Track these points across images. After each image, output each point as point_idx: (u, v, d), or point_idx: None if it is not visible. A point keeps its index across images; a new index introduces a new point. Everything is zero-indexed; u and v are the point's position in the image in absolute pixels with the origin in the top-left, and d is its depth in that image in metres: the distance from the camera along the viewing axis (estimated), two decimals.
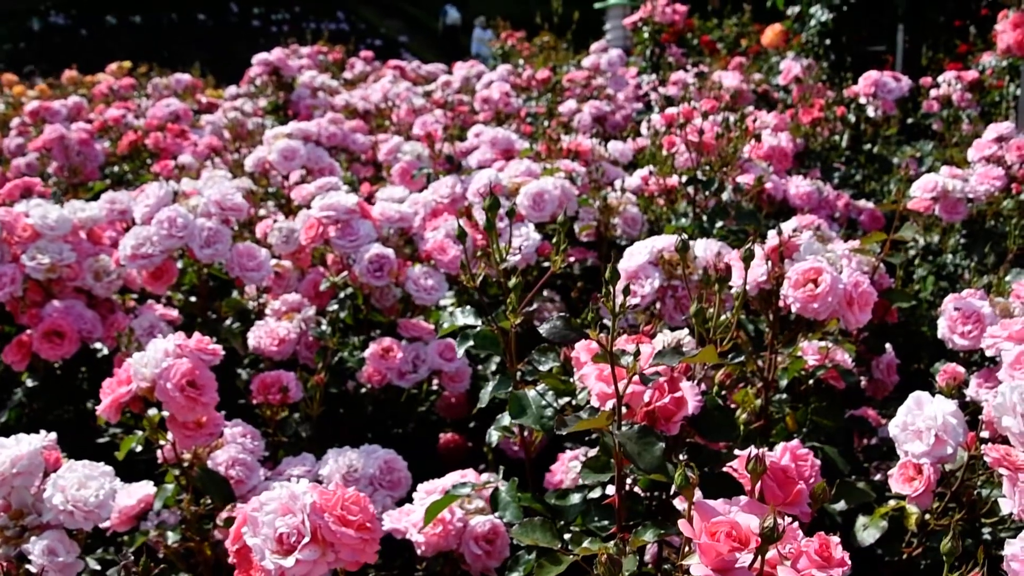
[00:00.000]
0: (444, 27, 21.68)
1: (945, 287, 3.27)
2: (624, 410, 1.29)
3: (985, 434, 1.59)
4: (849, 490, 1.87)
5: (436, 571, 1.89)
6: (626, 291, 1.17)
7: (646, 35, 6.08)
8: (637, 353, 1.16)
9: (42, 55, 16.34)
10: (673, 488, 1.41)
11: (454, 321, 1.52)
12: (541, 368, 1.39)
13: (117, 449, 2.04)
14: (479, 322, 1.47)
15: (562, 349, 1.49)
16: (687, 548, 1.01)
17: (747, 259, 1.42)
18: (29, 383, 2.62)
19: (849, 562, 1.02)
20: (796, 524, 1.05)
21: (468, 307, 1.53)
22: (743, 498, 1.11)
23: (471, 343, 1.46)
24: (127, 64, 7.49)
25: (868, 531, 1.73)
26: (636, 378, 1.25)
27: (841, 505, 1.86)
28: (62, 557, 1.59)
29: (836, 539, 1.02)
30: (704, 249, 2.12)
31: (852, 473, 2.04)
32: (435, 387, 2.72)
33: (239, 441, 2.05)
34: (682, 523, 0.96)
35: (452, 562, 1.83)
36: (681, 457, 1.46)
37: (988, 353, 1.85)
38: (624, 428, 1.19)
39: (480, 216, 2.59)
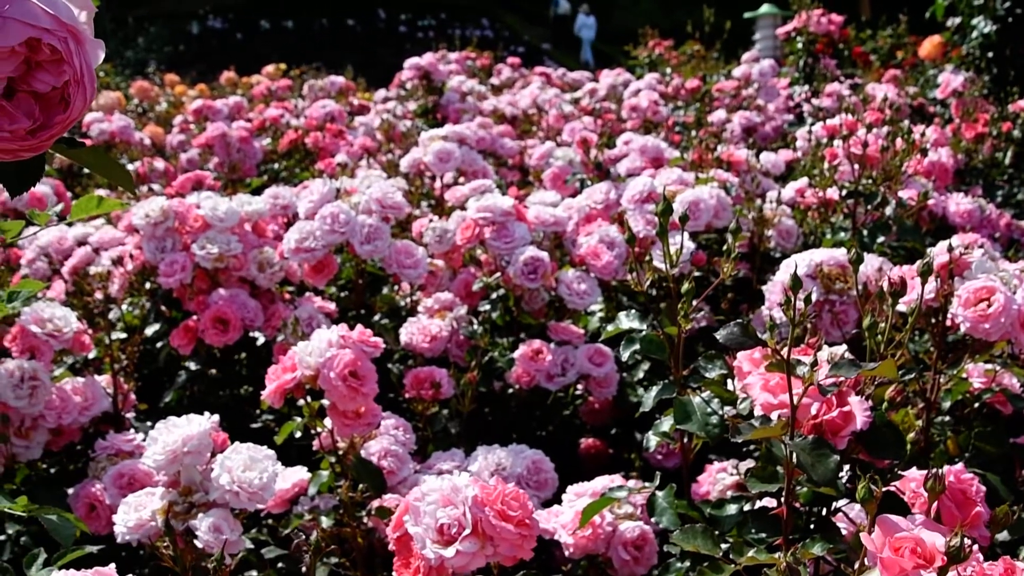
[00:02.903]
0: (554, 17, 22.68)
1: None
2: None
3: None
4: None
5: (578, 574, 1.90)
6: (807, 300, 1.16)
7: (799, 45, 5.96)
8: (814, 363, 1.15)
9: (200, 57, 17.01)
10: (834, 504, 1.39)
11: (618, 324, 1.52)
12: (708, 375, 1.38)
13: (270, 435, 2.12)
14: (644, 326, 1.47)
15: (725, 357, 1.48)
16: (863, 562, 0.99)
17: (924, 274, 1.39)
18: (192, 366, 2.74)
19: None
20: (976, 547, 1.02)
21: (632, 312, 1.53)
22: (919, 516, 1.08)
23: (636, 347, 1.46)
24: (282, 66, 7.76)
25: None
26: (808, 389, 1.23)
27: (1003, 536, 1.79)
28: (227, 535, 1.65)
29: (1022, 565, 0.99)
30: (865, 264, 2.08)
31: (1013, 503, 1.96)
32: (579, 392, 2.73)
33: (392, 433, 2.10)
34: (863, 536, 0.95)
35: (597, 566, 1.84)
36: (840, 474, 1.43)
37: None
38: (797, 439, 1.17)
39: (634, 223, 2.59)
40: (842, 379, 1.23)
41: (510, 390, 2.60)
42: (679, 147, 4.23)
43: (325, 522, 1.93)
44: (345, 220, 2.55)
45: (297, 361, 1.83)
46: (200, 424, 1.75)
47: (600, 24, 21.15)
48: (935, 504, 1.10)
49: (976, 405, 2.00)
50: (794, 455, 1.16)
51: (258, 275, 2.68)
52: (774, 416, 1.28)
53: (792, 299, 1.13)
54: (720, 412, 1.34)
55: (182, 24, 21.98)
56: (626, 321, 1.51)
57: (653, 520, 1.47)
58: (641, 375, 2.58)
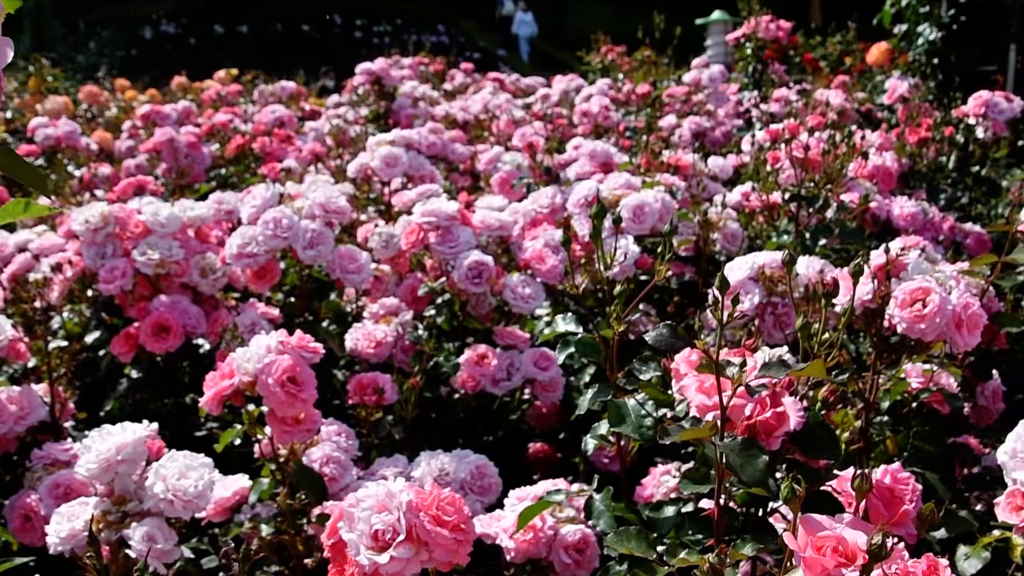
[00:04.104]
0: (500, 18, 23.26)
1: None
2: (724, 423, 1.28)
3: None
4: (950, 518, 1.82)
5: None
6: (736, 300, 1.16)
7: (749, 51, 6.02)
8: (743, 364, 1.15)
9: (153, 62, 16.84)
10: (771, 504, 1.39)
11: (555, 328, 1.52)
12: (642, 377, 1.39)
13: (214, 442, 2.09)
14: (580, 330, 1.47)
15: (661, 360, 1.48)
16: (790, 562, 0.99)
17: (856, 275, 1.39)
18: (134, 374, 2.70)
19: None
20: (902, 545, 1.03)
21: (569, 315, 1.53)
22: (847, 515, 1.08)
23: (572, 350, 1.46)
24: (234, 71, 7.70)
25: (970, 561, 1.68)
26: (739, 390, 1.24)
27: (941, 533, 1.81)
28: (161, 544, 1.63)
29: (944, 562, 0.99)
30: (806, 267, 2.09)
31: (952, 502, 1.99)
32: (527, 396, 2.72)
33: (334, 439, 2.08)
34: (787, 536, 0.95)
35: (540, 570, 1.83)
36: (778, 475, 1.44)
37: None
38: (727, 440, 1.18)
39: (580, 227, 2.59)
40: (772, 380, 1.24)
41: (456, 395, 2.58)
42: (629, 152, 4.25)
43: (265, 530, 1.91)
44: (288, 225, 2.53)
45: (235, 367, 1.80)
46: (135, 432, 1.73)
47: (554, 29, 21.39)
48: (863, 503, 1.10)
49: (914, 405, 2.03)
50: (724, 456, 1.17)
51: (200, 281, 2.65)
52: (709, 417, 1.28)
53: (720, 300, 1.13)
54: (654, 414, 1.34)
55: (135, 29, 21.78)
56: (562, 324, 1.51)
57: (590, 523, 1.47)
58: (587, 378, 2.58)
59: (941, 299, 1.71)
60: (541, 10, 22.69)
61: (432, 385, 2.57)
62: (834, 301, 1.48)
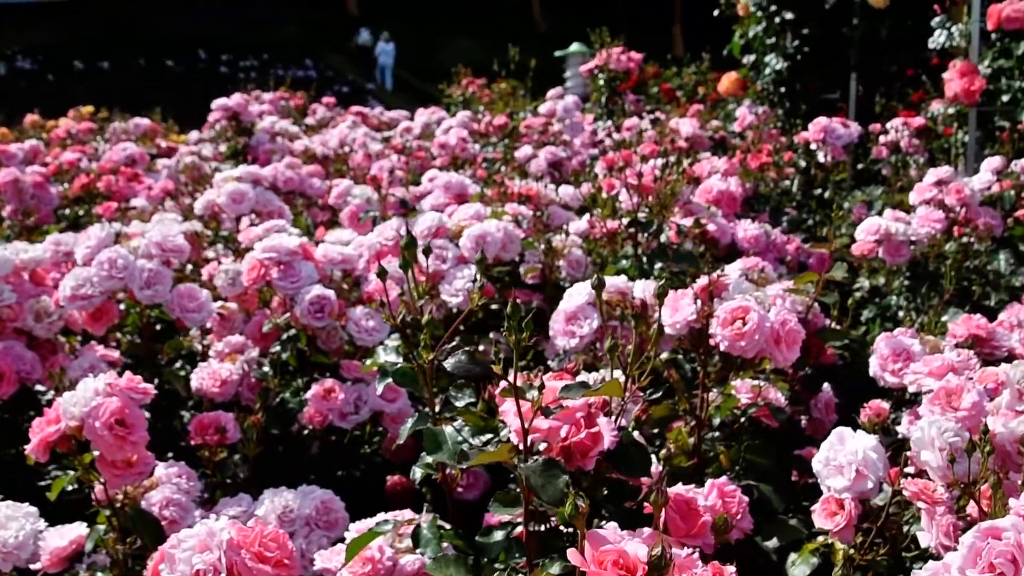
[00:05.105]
0: (357, 47, 24.02)
1: (891, 328, 3.31)
2: (544, 446, 1.31)
3: (910, 469, 1.62)
4: (781, 527, 1.89)
5: None
6: (528, 327, 1.19)
7: (602, 82, 6.17)
8: (541, 387, 1.18)
9: (6, 99, 16.29)
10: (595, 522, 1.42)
11: (377, 359, 1.53)
12: (457, 404, 1.41)
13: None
14: (400, 360, 1.48)
15: (488, 386, 1.50)
16: None
17: (661, 296, 1.45)
18: None
19: None
20: (697, 555, 1.06)
21: (390, 345, 1.55)
22: (646, 530, 1.12)
23: (390, 380, 1.47)
24: (88, 109, 7.51)
25: (798, 567, 1.74)
26: (560, 412, 1.27)
27: (774, 542, 1.88)
28: None
29: (731, 569, 1.03)
30: (642, 290, 2.15)
31: (791, 511, 2.05)
32: (381, 429, 2.71)
33: (174, 482, 2.04)
34: (571, 553, 0.97)
35: None
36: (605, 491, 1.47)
37: (911, 389, 1.88)
38: (530, 462, 1.20)
39: (423, 258, 2.61)
40: (582, 403, 1.27)
41: (306, 431, 2.56)
42: (485, 183, 4.30)
43: None
44: (123, 265, 2.47)
45: (61, 412, 1.76)
46: None
47: (423, 63, 21.50)
48: (662, 516, 1.14)
49: (746, 420, 2.09)
50: (527, 478, 1.19)
51: (35, 325, 2.57)
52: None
53: (514, 327, 1.16)
54: (472, 440, 1.36)
55: None
56: (383, 355, 1.52)
57: (418, 551, 1.47)
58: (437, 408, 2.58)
59: (759, 317, 1.79)
60: (411, 44, 22.88)
61: (281, 422, 2.54)
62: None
